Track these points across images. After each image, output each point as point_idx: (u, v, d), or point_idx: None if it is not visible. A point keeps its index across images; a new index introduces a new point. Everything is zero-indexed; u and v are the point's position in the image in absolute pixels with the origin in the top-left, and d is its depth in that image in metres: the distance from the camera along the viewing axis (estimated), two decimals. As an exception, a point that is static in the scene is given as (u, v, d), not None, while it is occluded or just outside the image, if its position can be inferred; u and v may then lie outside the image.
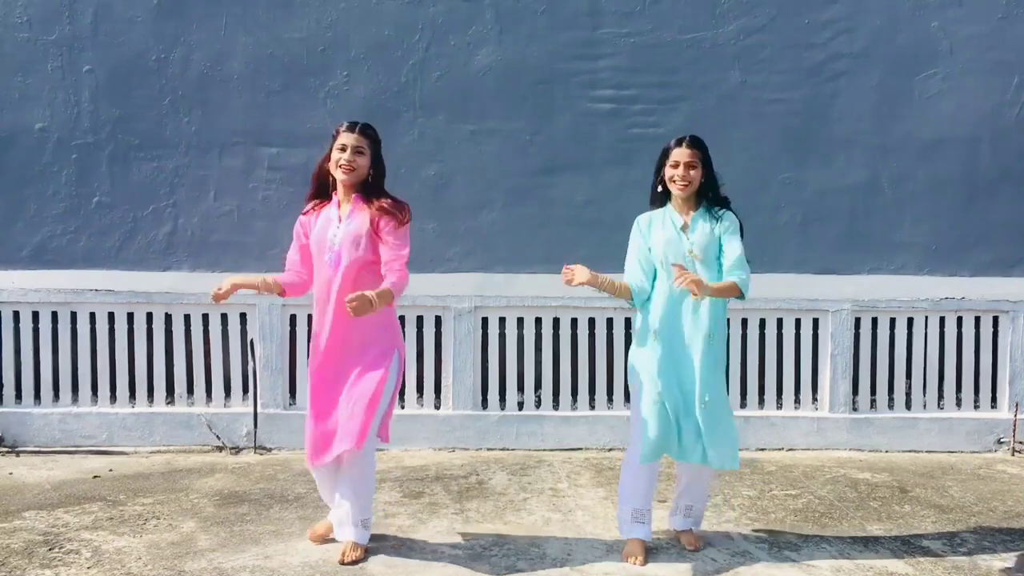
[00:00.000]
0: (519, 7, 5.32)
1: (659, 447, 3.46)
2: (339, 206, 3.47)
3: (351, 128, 3.43)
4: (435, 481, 4.63)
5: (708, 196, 3.58)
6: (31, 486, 4.49)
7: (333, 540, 3.59)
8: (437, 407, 5.39)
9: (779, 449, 5.38)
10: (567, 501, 4.30)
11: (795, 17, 5.36)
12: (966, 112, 5.41)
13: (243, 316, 5.35)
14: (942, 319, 5.47)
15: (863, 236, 5.42)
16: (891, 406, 5.47)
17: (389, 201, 3.42)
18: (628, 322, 5.32)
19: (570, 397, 5.43)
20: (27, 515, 4.00)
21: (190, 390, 5.37)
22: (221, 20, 5.28)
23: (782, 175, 5.40)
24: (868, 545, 3.71)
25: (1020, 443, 5.40)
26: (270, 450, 5.27)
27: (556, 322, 5.42)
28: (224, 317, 5.36)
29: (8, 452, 5.17)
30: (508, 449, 5.34)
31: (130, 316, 5.34)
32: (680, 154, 3.50)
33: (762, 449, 5.37)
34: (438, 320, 5.37)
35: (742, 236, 3.55)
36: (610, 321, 5.40)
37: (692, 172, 3.50)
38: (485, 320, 5.38)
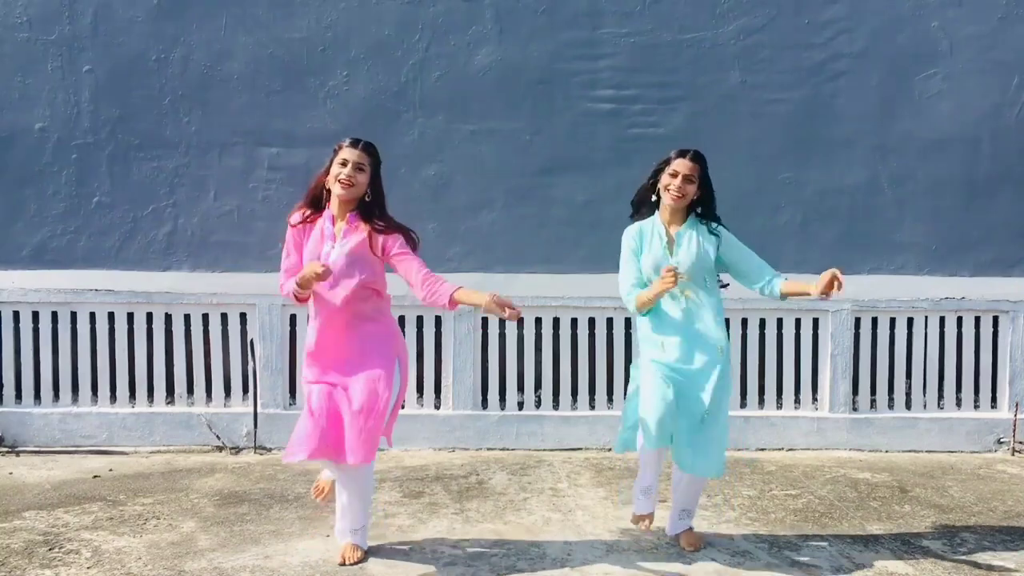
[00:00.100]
0: (519, 7, 5.32)
1: (666, 431, 3.41)
2: (333, 222, 3.42)
3: (354, 144, 3.39)
4: (435, 481, 4.64)
5: (697, 212, 3.59)
6: (31, 486, 4.49)
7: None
8: (437, 407, 5.40)
9: (779, 449, 5.38)
10: (567, 501, 4.30)
11: (795, 17, 5.36)
12: (966, 112, 5.41)
13: (243, 316, 5.35)
14: (942, 319, 5.47)
15: (863, 236, 5.41)
16: (891, 406, 5.47)
17: (386, 222, 3.40)
18: (628, 322, 5.31)
19: (570, 397, 5.43)
20: (27, 515, 4.00)
21: (190, 390, 5.37)
22: (221, 20, 5.28)
23: (782, 175, 5.40)
24: (868, 545, 3.71)
25: (1020, 443, 5.40)
26: (270, 450, 5.28)
27: (556, 322, 5.42)
28: (224, 317, 5.36)
29: (8, 452, 5.17)
30: (508, 449, 5.34)
31: (130, 316, 5.34)
32: (681, 165, 3.50)
33: (762, 449, 5.37)
34: (438, 320, 5.37)
35: None
36: (610, 321, 5.40)
37: (688, 186, 3.51)
38: (485, 320, 5.38)
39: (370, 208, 3.42)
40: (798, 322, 5.43)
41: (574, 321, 5.42)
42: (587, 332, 5.41)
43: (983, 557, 3.58)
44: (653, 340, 3.55)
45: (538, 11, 5.33)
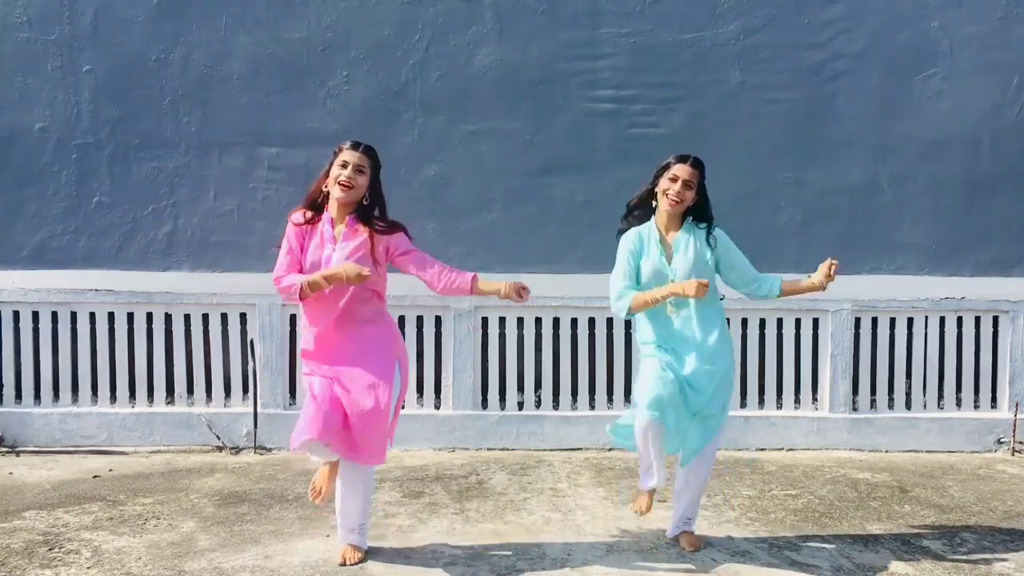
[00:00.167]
0: (519, 7, 5.32)
1: (660, 402, 3.38)
2: (333, 225, 3.42)
3: (354, 147, 3.38)
4: (435, 481, 4.64)
5: (692, 218, 3.60)
6: (31, 486, 4.49)
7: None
8: (437, 407, 5.40)
9: (779, 449, 5.38)
10: (567, 501, 4.30)
11: (795, 17, 5.36)
12: (966, 112, 5.41)
13: (243, 316, 5.35)
14: (942, 319, 5.47)
15: (863, 236, 5.41)
16: (891, 406, 5.47)
17: (386, 222, 3.41)
18: (628, 323, 5.31)
19: (570, 397, 5.43)
20: (27, 515, 4.00)
21: (190, 390, 5.37)
22: (221, 20, 5.28)
23: (782, 175, 5.40)
24: (868, 545, 3.71)
25: (1020, 443, 5.39)
26: (270, 450, 5.28)
27: (556, 322, 5.42)
28: (224, 317, 5.36)
29: (8, 452, 5.17)
30: (508, 449, 5.34)
31: (130, 316, 5.34)
32: (681, 170, 3.50)
33: (762, 449, 5.37)
34: (438, 320, 5.37)
35: None
36: (610, 321, 5.40)
37: (687, 192, 3.51)
38: (485, 320, 5.38)
39: (368, 211, 3.41)
40: (798, 322, 5.43)
41: (574, 321, 5.41)
42: (587, 332, 5.42)
43: (983, 557, 3.58)
44: (654, 345, 3.56)
45: (538, 11, 5.33)
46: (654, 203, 3.60)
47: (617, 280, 3.59)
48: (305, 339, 3.44)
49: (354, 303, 3.37)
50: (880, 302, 5.41)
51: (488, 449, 5.34)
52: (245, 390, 5.36)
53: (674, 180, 3.50)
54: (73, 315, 5.32)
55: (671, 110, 5.34)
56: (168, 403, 5.36)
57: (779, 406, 5.46)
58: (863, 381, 5.46)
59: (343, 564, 3.39)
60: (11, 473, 4.74)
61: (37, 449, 5.23)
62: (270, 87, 5.30)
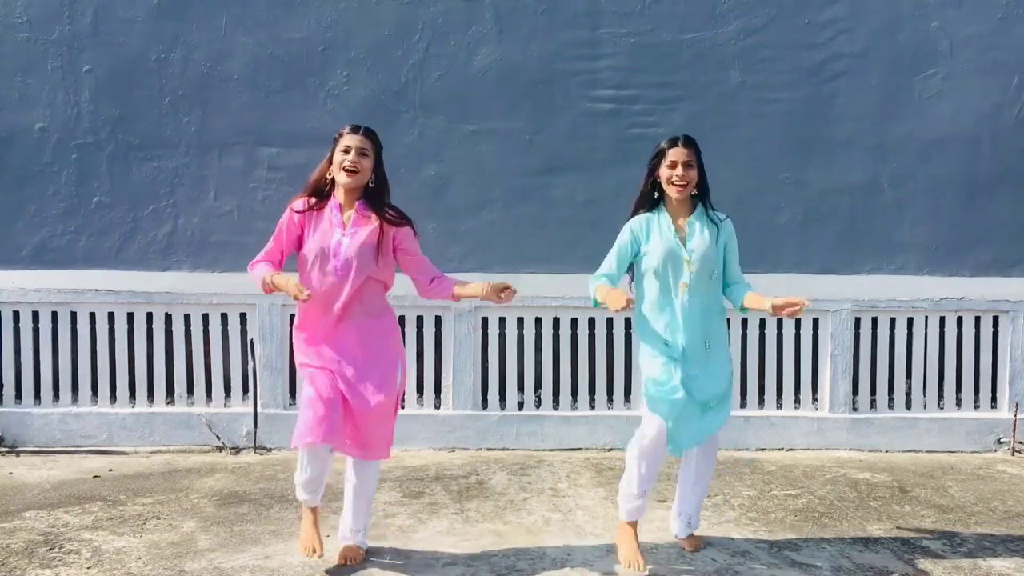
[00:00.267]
0: (519, 7, 5.32)
1: (667, 392, 3.34)
2: (341, 211, 3.37)
3: (355, 130, 3.37)
4: (435, 481, 4.64)
5: (702, 199, 3.53)
6: (31, 486, 4.49)
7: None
8: (437, 407, 5.40)
9: (779, 449, 5.38)
10: (567, 501, 4.30)
11: (795, 17, 5.36)
12: (966, 112, 5.41)
13: (243, 316, 5.35)
14: (942, 319, 5.47)
15: (863, 236, 5.42)
16: (891, 406, 5.47)
17: (396, 212, 3.40)
18: (628, 322, 5.31)
19: (570, 397, 5.43)
20: (27, 515, 4.00)
21: (190, 390, 5.37)
22: (221, 20, 5.28)
23: (782, 175, 5.40)
24: (868, 545, 3.71)
25: (1020, 443, 5.40)
26: (270, 450, 5.28)
27: (556, 322, 5.42)
28: (224, 317, 5.36)
29: (8, 452, 5.17)
30: (508, 449, 5.34)
31: (130, 316, 5.34)
32: (678, 153, 3.43)
33: (762, 449, 5.37)
34: (438, 320, 5.37)
35: None
36: (610, 321, 5.40)
37: (690, 172, 3.44)
38: (485, 320, 5.38)
39: (376, 195, 3.39)
40: (798, 322, 5.42)
41: (574, 321, 5.41)
42: (587, 332, 5.42)
43: (983, 557, 3.58)
44: (653, 335, 3.50)
45: (538, 11, 5.33)
46: (657, 195, 3.54)
47: (601, 267, 3.56)
48: (304, 325, 3.38)
49: (363, 292, 3.34)
50: (880, 302, 5.41)
51: (488, 449, 5.34)
52: (245, 390, 5.36)
53: (673, 165, 3.44)
54: (73, 315, 5.32)
55: (671, 110, 5.34)
56: (168, 403, 5.36)
57: (779, 406, 5.46)
58: (863, 381, 5.46)
59: (343, 564, 3.39)
60: (11, 473, 4.74)
61: (37, 449, 5.23)
62: (270, 87, 5.30)
